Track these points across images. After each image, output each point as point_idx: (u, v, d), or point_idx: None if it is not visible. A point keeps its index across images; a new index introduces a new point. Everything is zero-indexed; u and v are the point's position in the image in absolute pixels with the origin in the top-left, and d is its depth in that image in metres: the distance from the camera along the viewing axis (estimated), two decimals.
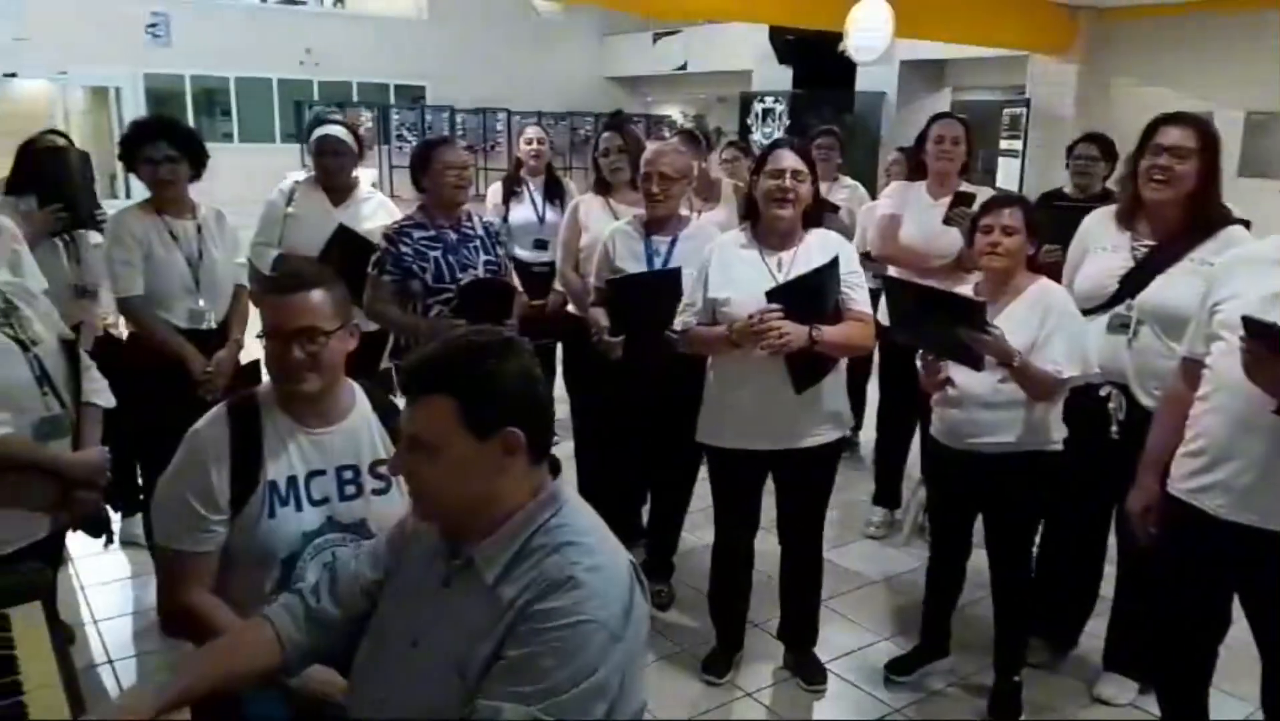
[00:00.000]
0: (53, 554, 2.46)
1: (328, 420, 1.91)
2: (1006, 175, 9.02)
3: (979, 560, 2.96)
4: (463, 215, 3.33)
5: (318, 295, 1.85)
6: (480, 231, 3.34)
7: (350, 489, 1.91)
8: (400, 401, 1.97)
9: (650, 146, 3.37)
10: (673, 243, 3.24)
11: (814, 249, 2.75)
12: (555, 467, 1.48)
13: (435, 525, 1.49)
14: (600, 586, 1.33)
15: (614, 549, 1.42)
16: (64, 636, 1.72)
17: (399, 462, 1.45)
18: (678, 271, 3.12)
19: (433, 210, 3.28)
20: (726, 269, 2.78)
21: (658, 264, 3.23)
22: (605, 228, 3.45)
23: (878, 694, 2.99)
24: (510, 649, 1.31)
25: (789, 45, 11.72)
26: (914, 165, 4.03)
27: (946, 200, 3.74)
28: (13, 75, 16.54)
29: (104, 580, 3.46)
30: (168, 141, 3.09)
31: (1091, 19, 8.63)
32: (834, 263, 2.69)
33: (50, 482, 2.24)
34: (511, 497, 1.41)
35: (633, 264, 3.25)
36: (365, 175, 4.99)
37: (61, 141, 3.41)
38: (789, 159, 2.72)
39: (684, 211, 3.37)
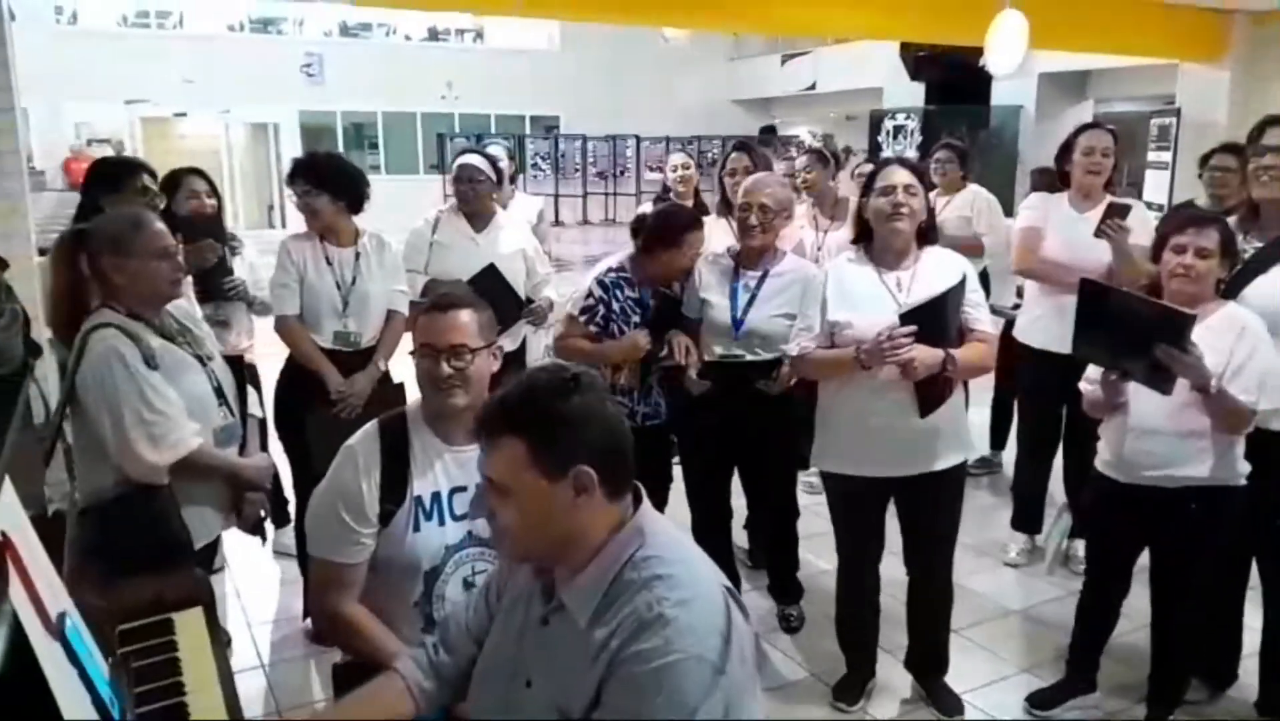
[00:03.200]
0: (211, 557, 2.67)
1: (472, 438, 1.95)
2: (1155, 188, 8.56)
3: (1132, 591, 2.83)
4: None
5: (467, 315, 1.96)
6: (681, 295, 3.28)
7: None
8: None
9: (750, 177, 3.33)
10: (762, 278, 3.16)
11: (931, 267, 2.68)
12: (638, 497, 1.46)
13: (527, 565, 1.51)
14: (691, 620, 1.30)
15: (705, 577, 1.39)
16: (222, 641, 1.83)
17: (482, 506, 1.46)
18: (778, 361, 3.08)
19: (646, 274, 3.21)
20: (844, 290, 2.73)
21: (743, 298, 3.14)
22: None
23: None
24: (609, 694, 1.31)
25: (920, 61, 11.50)
26: (1057, 176, 3.87)
27: (1092, 213, 3.57)
28: (182, 114, 17.83)
29: (258, 588, 3.65)
30: (304, 178, 3.28)
31: (1248, 24, 8.13)
32: (961, 283, 2.62)
33: (226, 486, 2.45)
34: (592, 534, 1.39)
35: (717, 296, 3.18)
36: (531, 204, 5.11)
37: (203, 204, 3.58)
38: (900, 174, 2.66)
39: (783, 246, 3.31)
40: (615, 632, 1.32)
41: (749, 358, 3.13)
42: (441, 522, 1.96)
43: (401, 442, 1.97)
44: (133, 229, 2.30)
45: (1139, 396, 2.52)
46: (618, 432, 1.41)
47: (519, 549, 1.45)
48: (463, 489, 1.96)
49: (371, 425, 2.01)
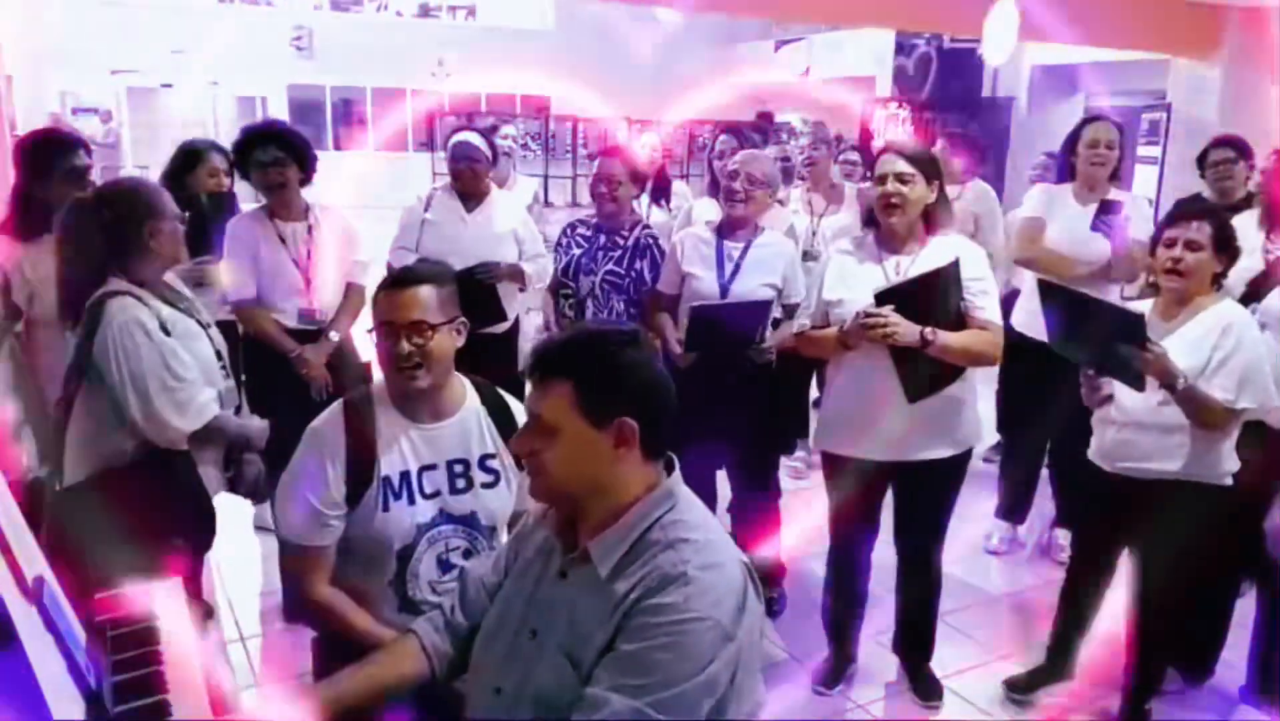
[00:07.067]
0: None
1: (439, 415, 1.97)
2: (1144, 183, 8.60)
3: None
4: (626, 224, 3.42)
5: (426, 290, 1.91)
6: (629, 244, 3.39)
7: (460, 482, 1.97)
8: (509, 399, 2.02)
9: (743, 151, 3.43)
10: (745, 248, 3.23)
11: (936, 253, 2.65)
12: (670, 465, 1.49)
13: (552, 510, 1.53)
14: (713, 583, 1.33)
15: (727, 547, 1.42)
16: (203, 612, 1.81)
17: (521, 441, 1.48)
18: (767, 305, 3.12)
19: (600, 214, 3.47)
20: (842, 271, 2.75)
21: (728, 268, 3.22)
22: None
23: (995, 713, 2.90)
24: (622, 642, 1.33)
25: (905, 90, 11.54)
26: (1060, 168, 3.86)
27: (1095, 206, 3.59)
28: (169, 85, 17.64)
29: (237, 562, 3.62)
30: (276, 144, 3.15)
31: (1240, 20, 8.16)
32: (952, 266, 2.58)
33: (222, 448, 2.44)
34: (625, 489, 1.42)
35: (700, 267, 3.25)
36: (527, 185, 5.08)
37: (221, 183, 3.58)
38: (894, 163, 2.62)
39: (793, 217, 3.40)
40: (636, 585, 1.35)
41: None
42: (411, 501, 1.94)
43: (367, 422, 1.94)
44: (157, 192, 2.32)
45: (1122, 388, 2.53)
46: (664, 394, 1.45)
47: (553, 487, 1.47)
48: (432, 466, 1.95)
49: (336, 406, 1.98)
